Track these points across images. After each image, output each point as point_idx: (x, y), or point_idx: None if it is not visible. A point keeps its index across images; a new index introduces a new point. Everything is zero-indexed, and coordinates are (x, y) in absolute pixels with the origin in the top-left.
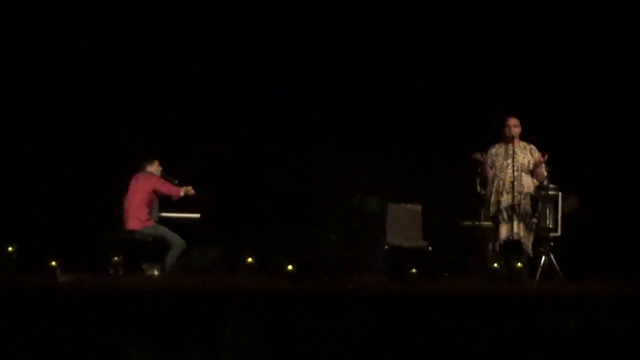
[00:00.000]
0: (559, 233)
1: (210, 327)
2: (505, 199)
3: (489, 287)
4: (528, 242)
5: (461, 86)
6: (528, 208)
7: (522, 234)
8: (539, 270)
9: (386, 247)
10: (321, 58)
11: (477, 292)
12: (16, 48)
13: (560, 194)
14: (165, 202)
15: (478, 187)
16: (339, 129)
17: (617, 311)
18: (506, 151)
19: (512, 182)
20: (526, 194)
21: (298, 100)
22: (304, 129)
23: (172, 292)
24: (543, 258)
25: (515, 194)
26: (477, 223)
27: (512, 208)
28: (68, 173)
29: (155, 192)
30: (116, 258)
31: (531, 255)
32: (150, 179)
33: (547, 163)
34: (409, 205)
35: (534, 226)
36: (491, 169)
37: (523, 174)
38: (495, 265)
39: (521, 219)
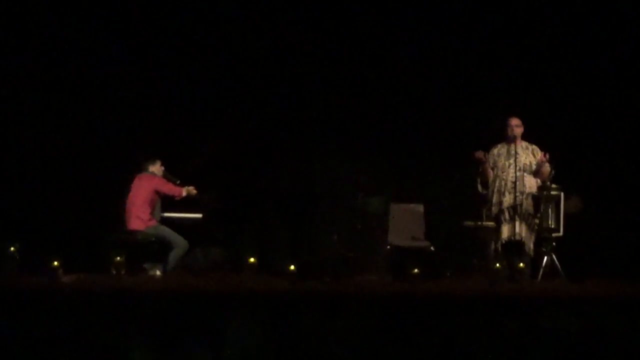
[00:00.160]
0: (561, 233)
1: (212, 327)
2: (507, 199)
3: (491, 287)
4: (530, 243)
5: (463, 86)
6: (530, 208)
7: (524, 234)
8: (541, 270)
9: (388, 247)
10: (323, 58)
11: (479, 292)
12: (18, 48)
13: (562, 194)
14: (168, 202)
15: (479, 187)
16: (341, 130)
17: (618, 311)
18: (508, 151)
19: (514, 182)
20: (528, 194)
21: (300, 100)
22: (306, 129)
23: (174, 292)
24: (545, 258)
25: (517, 194)
26: (479, 223)
27: (514, 208)
28: (70, 173)
29: (157, 192)
30: (118, 258)
31: (532, 255)
32: (152, 179)
33: (549, 162)
34: (411, 206)
35: (535, 226)
36: (492, 169)
37: (525, 174)
38: (497, 265)
39: (523, 219)
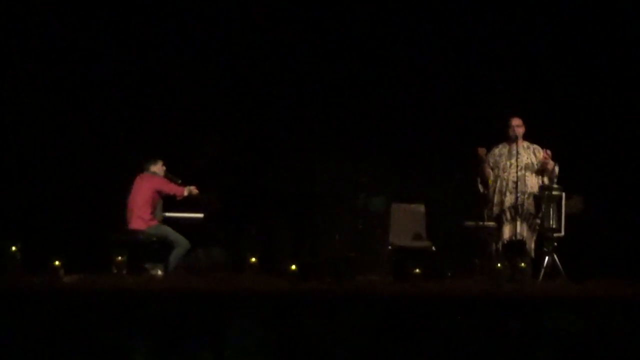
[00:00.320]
0: (562, 233)
1: (213, 326)
2: (509, 199)
3: (493, 287)
4: (531, 243)
5: (464, 86)
6: (531, 208)
7: (525, 234)
8: (542, 270)
9: (389, 247)
10: (325, 58)
11: (481, 292)
12: (20, 47)
13: (563, 194)
14: (169, 202)
15: (480, 187)
16: (342, 130)
17: (620, 312)
18: (509, 151)
19: (516, 182)
20: (530, 194)
21: (301, 100)
22: (307, 129)
23: (176, 292)
24: (546, 258)
25: (519, 194)
26: (480, 223)
27: (515, 208)
28: (72, 173)
29: (158, 192)
30: (120, 258)
31: (533, 255)
32: (153, 178)
33: (552, 158)
34: (412, 206)
35: (537, 226)
36: (493, 169)
37: (526, 174)
38: (499, 265)
39: (524, 219)
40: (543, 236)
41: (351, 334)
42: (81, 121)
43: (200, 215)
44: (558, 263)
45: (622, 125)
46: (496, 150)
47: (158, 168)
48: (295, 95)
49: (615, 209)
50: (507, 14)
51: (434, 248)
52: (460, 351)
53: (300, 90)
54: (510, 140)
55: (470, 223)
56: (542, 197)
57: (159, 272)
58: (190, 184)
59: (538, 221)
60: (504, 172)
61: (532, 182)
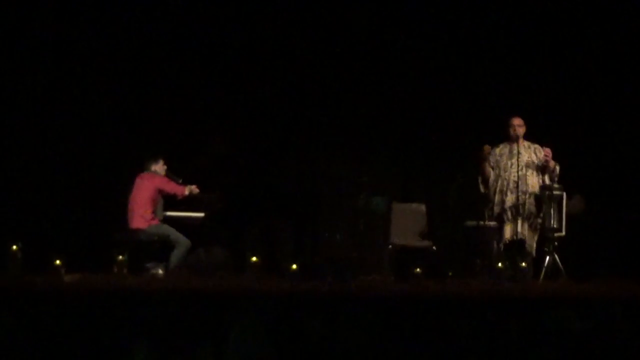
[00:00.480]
0: (563, 233)
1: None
2: (510, 199)
3: (493, 287)
4: (532, 242)
5: (466, 86)
6: (532, 208)
7: (526, 234)
8: (543, 270)
9: (390, 247)
10: (327, 58)
11: (481, 292)
12: (20, 46)
13: (564, 194)
14: (170, 201)
15: (481, 187)
16: (344, 129)
17: (621, 312)
18: (510, 151)
19: (517, 182)
20: (531, 193)
21: (303, 100)
22: (309, 129)
23: (177, 292)
24: (547, 258)
25: (520, 193)
26: (481, 223)
27: (516, 208)
28: (73, 172)
29: (159, 191)
30: (121, 257)
31: (535, 255)
32: (154, 178)
33: (552, 157)
34: (413, 205)
35: (538, 226)
36: (493, 169)
37: (527, 173)
38: (500, 265)
39: (525, 218)
40: (544, 236)
41: (352, 334)
42: (82, 120)
43: (201, 214)
44: (559, 263)
45: (623, 125)
46: (497, 150)
47: (159, 167)
48: (297, 95)
49: (616, 209)
50: (508, 13)
51: (434, 248)
52: (461, 351)
53: (301, 90)
54: (511, 140)
55: (471, 223)
56: (543, 197)
57: (160, 272)
58: (191, 183)
59: (539, 221)
60: (504, 172)
61: (533, 182)
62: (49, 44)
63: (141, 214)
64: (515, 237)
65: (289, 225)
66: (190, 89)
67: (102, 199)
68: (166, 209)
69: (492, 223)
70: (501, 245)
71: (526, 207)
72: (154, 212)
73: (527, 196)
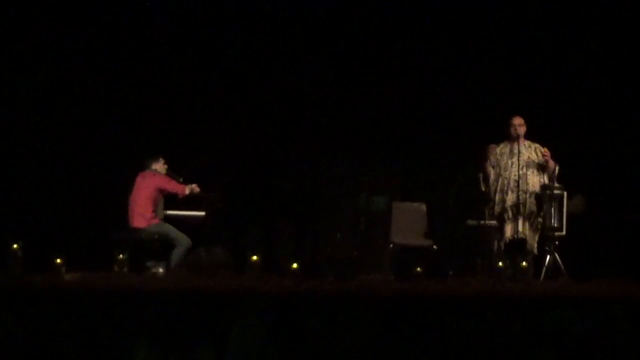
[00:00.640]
0: (564, 233)
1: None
2: (510, 198)
3: (494, 286)
4: (533, 242)
5: (467, 85)
6: (533, 207)
7: (527, 233)
8: (544, 269)
9: (391, 246)
10: (328, 58)
11: (482, 291)
12: (20, 45)
13: (565, 193)
14: (171, 200)
15: (482, 185)
16: (344, 129)
17: (622, 311)
18: (511, 150)
19: (517, 181)
20: (531, 192)
21: (304, 99)
22: (310, 128)
23: (177, 291)
24: (548, 257)
25: (520, 192)
26: (482, 222)
27: (517, 207)
28: (73, 171)
29: (160, 190)
30: (121, 256)
31: (536, 254)
32: (155, 177)
33: (551, 157)
34: (414, 204)
35: (539, 225)
36: (494, 167)
37: (528, 173)
38: (500, 264)
39: (526, 218)
40: (544, 235)
41: (352, 333)
42: (82, 120)
43: (202, 213)
44: (559, 262)
45: (624, 124)
46: (497, 149)
47: (159, 166)
48: (297, 94)
49: (617, 208)
50: (508, 13)
51: (435, 247)
52: (462, 350)
53: (302, 90)
54: (512, 139)
55: (471, 222)
56: (543, 196)
57: (161, 271)
58: (192, 182)
59: (540, 220)
60: (505, 171)
61: (534, 181)
62: (49, 44)
63: (142, 213)
64: (515, 237)
65: (289, 225)
66: (191, 88)
67: (102, 198)
68: (167, 208)
69: (493, 222)
70: (502, 245)
71: (527, 206)
72: (154, 211)
73: (527, 195)
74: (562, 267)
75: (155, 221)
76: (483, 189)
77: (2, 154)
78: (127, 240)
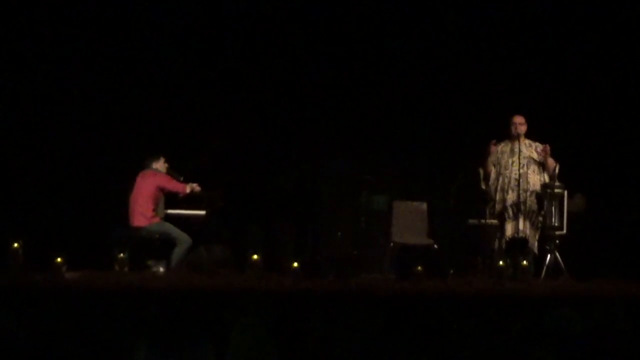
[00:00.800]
0: (564, 231)
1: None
2: (511, 197)
3: (495, 285)
4: (534, 240)
5: (467, 84)
6: (534, 206)
7: (527, 231)
8: (545, 268)
9: (391, 245)
10: (328, 57)
11: (483, 290)
12: (20, 45)
13: (566, 192)
14: (171, 199)
15: (482, 184)
16: (345, 128)
17: (623, 310)
18: (512, 149)
19: (518, 180)
20: (532, 191)
21: (305, 98)
22: (310, 127)
23: (178, 290)
24: (548, 256)
25: (521, 191)
26: (482, 221)
27: (517, 206)
28: (74, 169)
29: (160, 189)
30: (122, 255)
31: (537, 253)
32: (155, 175)
33: (550, 154)
34: (414, 203)
35: (539, 224)
36: (494, 166)
37: (529, 171)
38: (501, 263)
39: (527, 216)
40: (545, 234)
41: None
42: (82, 119)
43: (203, 212)
44: (560, 261)
45: (625, 123)
46: (498, 148)
47: (160, 165)
48: (298, 93)
49: (617, 207)
50: (509, 12)
51: (436, 246)
52: (462, 349)
53: (302, 88)
54: (513, 137)
55: (472, 221)
56: (544, 195)
57: (161, 270)
58: (193, 181)
59: (540, 219)
60: (505, 170)
61: (534, 180)
62: (49, 44)
63: (142, 212)
64: (516, 235)
65: (289, 224)
66: (192, 87)
67: (103, 196)
68: (167, 206)
69: (494, 221)
70: (502, 244)
71: (527, 204)
72: (155, 210)
73: (528, 194)
74: (563, 266)
75: (156, 220)
76: (483, 187)
77: (2, 153)
78: (128, 239)
